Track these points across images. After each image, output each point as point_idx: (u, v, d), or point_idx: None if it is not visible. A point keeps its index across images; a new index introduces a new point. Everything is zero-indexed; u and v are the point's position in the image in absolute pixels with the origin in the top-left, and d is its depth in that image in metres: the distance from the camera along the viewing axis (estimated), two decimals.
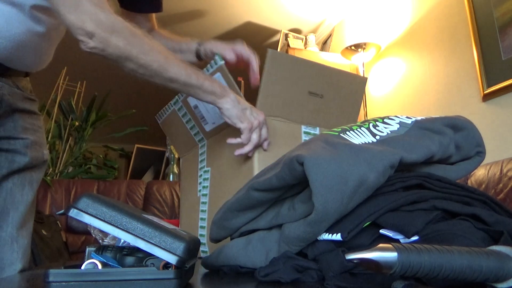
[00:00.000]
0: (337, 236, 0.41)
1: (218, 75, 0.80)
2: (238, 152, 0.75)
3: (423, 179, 0.45)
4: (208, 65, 0.81)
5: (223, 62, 0.78)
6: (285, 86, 0.80)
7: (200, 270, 0.58)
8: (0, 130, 0.74)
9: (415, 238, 0.39)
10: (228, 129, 0.83)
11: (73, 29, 0.62)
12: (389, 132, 0.51)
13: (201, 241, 0.87)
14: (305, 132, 0.84)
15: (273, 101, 0.79)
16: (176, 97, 0.94)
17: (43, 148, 0.83)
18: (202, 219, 0.89)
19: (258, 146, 0.76)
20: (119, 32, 0.64)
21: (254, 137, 0.74)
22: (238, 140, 0.75)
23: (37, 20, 0.70)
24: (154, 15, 1.00)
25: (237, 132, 0.74)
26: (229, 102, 0.73)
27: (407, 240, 0.39)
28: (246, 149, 0.74)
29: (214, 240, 0.57)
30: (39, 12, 0.69)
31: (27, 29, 0.69)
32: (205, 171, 0.92)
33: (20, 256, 0.76)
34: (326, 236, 0.42)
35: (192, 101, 0.90)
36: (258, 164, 0.75)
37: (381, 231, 0.40)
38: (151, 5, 0.96)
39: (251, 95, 0.80)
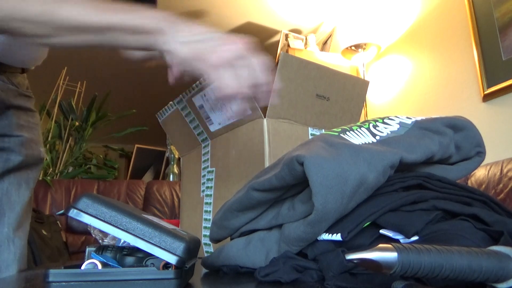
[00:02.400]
0: (337, 236, 0.41)
1: None
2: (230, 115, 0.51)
3: (423, 179, 0.45)
4: None
5: None
6: (294, 88, 0.80)
7: (200, 270, 0.58)
8: None
9: (415, 238, 0.39)
10: (234, 130, 0.83)
11: None
12: (389, 132, 0.51)
13: (205, 241, 0.86)
14: (312, 134, 0.84)
15: (283, 103, 0.80)
16: (180, 96, 0.93)
17: (39, 146, 0.81)
18: (206, 219, 0.89)
19: (244, 91, 0.47)
20: None
21: (227, 77, 0.47)
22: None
23: None
24: None
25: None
26: (174, 37, 0.48)
27: (407, 240, 0.39)
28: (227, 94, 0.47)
29: (214, 240, 0.57)
30: None
31: None
32: (209, 171, 0.91)
33: (17, 257, 0.75)
34: (326, 236, 0.42)
35: (197, 101, 0.90)
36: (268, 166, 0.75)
37: (381, 231, 0.40)
38: None
39: None
